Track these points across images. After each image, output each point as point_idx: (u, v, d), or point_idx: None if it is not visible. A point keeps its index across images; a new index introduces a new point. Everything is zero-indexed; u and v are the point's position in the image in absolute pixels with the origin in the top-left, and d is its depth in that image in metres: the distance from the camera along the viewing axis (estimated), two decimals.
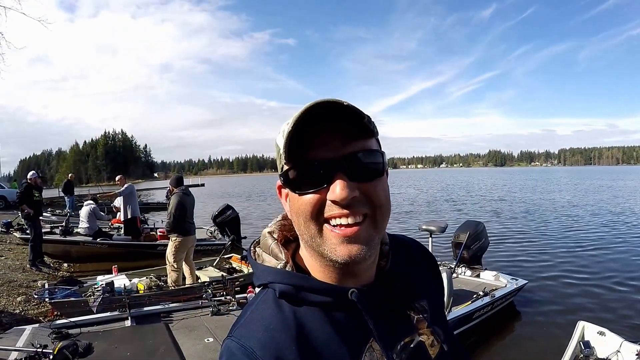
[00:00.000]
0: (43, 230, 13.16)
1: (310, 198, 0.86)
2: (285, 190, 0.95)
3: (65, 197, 23.14)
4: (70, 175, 26.46)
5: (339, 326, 0.93)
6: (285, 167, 0.88)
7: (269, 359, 0.83)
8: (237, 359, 0.85)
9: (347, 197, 0.83)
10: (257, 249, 1.05)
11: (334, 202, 0.84)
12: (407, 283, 1.08)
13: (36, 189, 10.94)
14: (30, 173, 11.03)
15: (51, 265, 10.81)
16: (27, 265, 10.42)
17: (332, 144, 0.85)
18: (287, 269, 0.96)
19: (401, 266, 1.09)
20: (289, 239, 1.05)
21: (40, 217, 13.61)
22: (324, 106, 0.81)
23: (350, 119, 0.84)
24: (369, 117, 0.86)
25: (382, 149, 0.96)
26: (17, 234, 13.64)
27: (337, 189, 0.83)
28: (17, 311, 7.65)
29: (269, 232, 1.05)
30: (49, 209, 22.29)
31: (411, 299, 1.07)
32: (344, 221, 0.84)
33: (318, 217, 0.86)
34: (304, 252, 1.00)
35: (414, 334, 1.04)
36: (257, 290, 1.01)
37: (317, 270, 0.96)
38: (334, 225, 0.85)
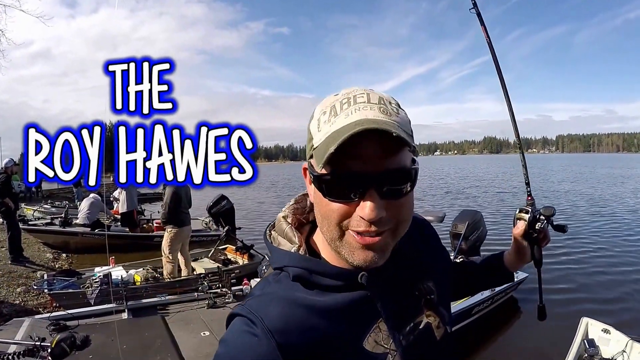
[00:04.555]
0: (43, 221, 13.16)
1: (339, 207, 0.87)
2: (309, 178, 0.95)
3: (74, 189, 23.11)
4: None
5: (348, 307, 0.95)
6: (321, 169, 0.86)
7: (275, 331, 0.84)
8: (245, 323, 0.87)
9: (376, 216, 0.84)
10: (272, 232, 1.06)
11: (362, 217, 0.85)
12: (416, 263, 1.12)
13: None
14: (6, 160, 10.45)
15: (29, 259, 10.68)
16: (9, 263, 10.08)
17: (370, 158, 0.84)
18: (300, 252, 0.98)
19: (412, 246, 1.11)
20: (302, 222, 1.07)
21: (38, 209, 13.50)
22: (373, 129, 0.80)
23: (393, 144, 0.83)
24: (414, 147, 0.87)
25: (416, 160, 0.94)
26: (20, 224, 13.55)
27: (367, 209, 0.83)
28: (17, 302, 7.72)
29: (284, 217, 1.06)
30: (49, 201, 22.25)
31: (419, 280, 1.11)
32: (366, 233, 0.86)
33: (342, 224, 0.87)
34: (318, 236, 1.03)
35: (422, 315, 1.08)
36: (273, 272, 1.02)
37: (330, 255, 0.99)
38: (356, 233, 0.86)
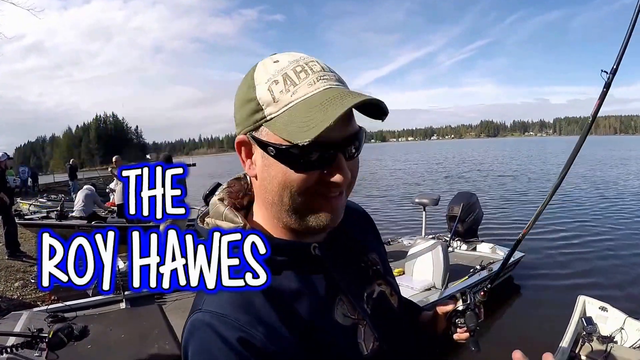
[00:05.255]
0: (39, 215, 13.11)
1: (307, 175, 0.86)
2: (254, 149, 0.92)
3: (70, 182, 23.10)
4: (72, 160, 26.31)
5: (308, 283, 0.94)
6: (284, 142, 0.84)
7: (252, 323, 0.82)
8: (219, 329, 0.81)
9: (347, 181, 0.87)
10: (207, 219, 1.01)
11: (333, 182, 0.86)
12: (355, 237, 1.13)
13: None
14: (0, 155, 10.05)
15: (26, 253, 10.61)
16: (6, 258, 10.02)
17: (339, 126, 0.82)
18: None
19: (347, 223, 1.09)
20: (237, 207, 1.03)
21: (34, 203, 13.46)
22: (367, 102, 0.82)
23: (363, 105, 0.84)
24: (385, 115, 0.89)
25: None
26: (16, 219, 13.53)
27: (340, 174, 0.86)
28: (15, 296, 7.71)
29: (220, 200, 1.03)
30: (45, 195, 22.25)
31: (363, 252, 1.13)
32: (332, 195, 0.89)
33: (309, 192, 0.87)
34: (259, 217, 1.00)
35: (374, 285, 1.11)
36: None
37: (276, 232, 0.96)
38: (323, 197, 0.87)
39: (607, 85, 1.41)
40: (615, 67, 1.64)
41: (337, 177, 0.85)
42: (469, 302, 1.28)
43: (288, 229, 0.95)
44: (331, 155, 0.85)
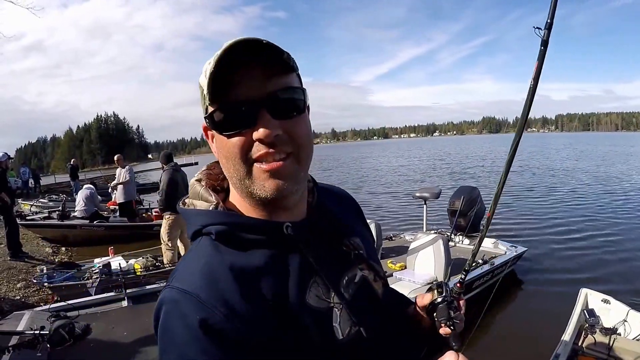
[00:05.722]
0: (41, 216, 13.11)
1: (237, 140, 0.88)
2: (211, 132, 0.95)
3: (71, 182, 23.14)
4: (72, 160, 26.32)
5: (280, 263, 0.93)
6: (210, 109, 0.89)
7: (215, 302, 0.81)
8: (181, 306, 0.81)
9: (271, 135, 0.86)
10: (186, 199, 1.03)
11: (259, 140, 0.86)
12: (337, 219, 1.10)
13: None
14: (1, 155, 9.96)
15: (29, 254, 10.62)
16: (8, 259, 9.93)
17: (254, 82, 0.86)
18: (219, 209, 0.95)
19: (336, 205, 1.12)
20: (216, 188, 1.04)
21: (35, 203, 13.45)
22: (243, 44, 0.82)
23: (270, 56, 0.86)
24: (288, 53, 0.89)
25: (303, 86, 0.97)
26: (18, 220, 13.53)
27: (261, 129, 0.85)
28: (18, 297, 7.64)
29: (197, 180, 1.04)
30: (46, 195, 22.27)
31: (344, 235, 1.10)
32: (270, 158, 0.87)
33: (246, 157, 0.88)
34: (234, 197, 1.00)
35: (355, 269, 1.08)
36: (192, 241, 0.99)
37: (248, 211, 0.96)
38: (261, 162, 0.86)
39: (544, 43, 1.33)
40: (549, 21, 1.57)
41: (260, 132, 0.85)
42: (444, 294, 1.22)
43: (257, 206, 0.95)
44: (252, 112, 0.86)
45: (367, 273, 1.10)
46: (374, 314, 1.05)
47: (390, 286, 1.31)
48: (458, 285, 1.37)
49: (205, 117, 0.93)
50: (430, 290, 1.26)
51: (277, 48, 0.86)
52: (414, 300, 1.34)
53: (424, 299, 1.24)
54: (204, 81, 0.88)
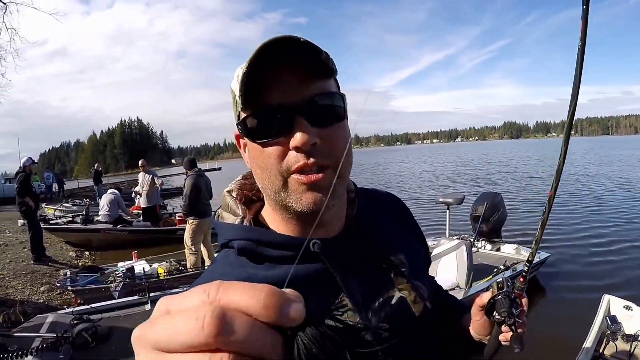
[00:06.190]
0: (64, 220, 13.25)
1: (272, 149, 0.83)
2: (243, 141, 0.92)
3: (95, 187, 23.41)
4: (96, 165, 26.63)
5: (303, 281, 0.87)
6: (243, 115, 0.84)
7: None
8: None
9: (309, 142, 0.80)
10: (218, 210, 1.02)
11: (296, 149, 0.81)
12: (379, 233, 1.03)
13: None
14: (24, 159, 10.20)
15: (52, 257, 10.73)
16: (32, 262, 10.07)
17: (290, 86, 0.81)
18: (244, 223, 0.93)
19: (372, 216, 1.04)
20: (251, 199, 1.02)
21: (59, 208, 13.59)
22: (280, 44, 0.76)
23: (308, 57, 0.80)
24: (327, 53, 0.82)
25: (342, 91, 0.91)
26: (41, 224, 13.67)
27: (298, 136, 0.80)
28: (41, 300, 7.76)
29: (228, 191, 1.02)
30: (70, 200, 22.51)
31: (386, 251, 1.01)
32: (307, 169, 0.81)
33: (282, 168, 0.83)
34: (267, 209, 0.97)
35: (393, 290, 0.99)
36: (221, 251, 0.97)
37: (280, 225, 0.93)
38: (298, 174, 0.81)
39: (586, 2, 1.24)
40: None
41: (296, 140, 0.79)
42: (505, 289, 1.09)
43: (290, 220, 0.91)
44: (288, 118, 0.81)
45: (407, 294, 1.01)
46: (403, 340, 0.93)
47: (448, 297, 1.28)
48: (521, 279, 1.18)
49: (237, 124, 0.88)
50: (489, 289, 1.13)
51: (315, 47, 0.79)
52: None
53: (483, 298, 1.12)
54: (235, 86, 0.84)
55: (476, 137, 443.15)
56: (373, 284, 0.96)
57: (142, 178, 11.96)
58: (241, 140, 0.93)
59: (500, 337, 1.11)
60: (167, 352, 0.32)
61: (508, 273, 6.67)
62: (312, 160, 0.81)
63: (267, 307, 0.33)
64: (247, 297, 0.33)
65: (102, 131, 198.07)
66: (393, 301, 0.97)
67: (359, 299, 0.89)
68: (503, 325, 1.09)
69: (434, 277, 1.32)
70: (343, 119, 0.88)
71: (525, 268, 1.23)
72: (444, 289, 1.37)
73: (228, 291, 0.34)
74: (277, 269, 0.88)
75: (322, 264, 0.89)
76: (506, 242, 8.41)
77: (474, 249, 7.66)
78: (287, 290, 0.38)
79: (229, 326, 0.31)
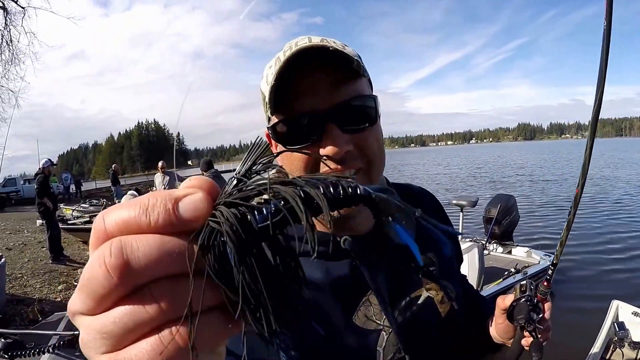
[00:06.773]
0: (82, 220, 13.36)
1: (302, 156, 0.83)
2: (274, 142, 0.89)
3: (112, 188, 23.58)
4: (114, 166, 26.74)
5: (335, 278, 0.88)
6: (273, 120, 0.84)
7: None
8: None
9: (340, 152, 0.80)
10: None
11: (327, 157, 0.80)
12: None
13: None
14: (43, 161, 10.27)
15: (70, 257, 10.83)
16: (50, 262, 10.14)
17: (320, 91, 0.81)
18: None
19: None
20: None
21: (77, 208, 13.72)
22: (309, 52, 0.76)
23: (338, 62, 0.79)
24: (358, 61, 0.81)
25: (374, 92, 0.90)
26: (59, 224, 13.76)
27: (330, 145, 0.80)
28: (59, 299, 7.86)
29: None
30: (87, 200, 22.64)
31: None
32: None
33: (312, 172, 0.81)
34: None
35: (421, 289, 0.99)
36: None
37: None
38: None
39: None
40: None
41: (327, 149, 0.79)
42: (527, 293, 1.06)
43: (321, 222, 0.86)
44: (318, 126, 0.80)
45: (435, 293, 1.00)
46: (428, 339, 0.98)
47: (478, 297, 1.26)
48: (545, 283, 1.15)
49: (267, 127, 0.88)
50: (513, 291, 1.11)
51: (346, 56, 0.78)
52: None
53: (505, 301, 1.10)
54: (265, 88, 0.83)
55: (490, 139, 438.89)
56: (401, 283, 0.97)
57: (161, 179, 12.04)
58: (272, 140, 0.90)
59: (523, 342, 1.09)
60: (90, 315, 0.31)
61: (519, 276, 6.66)
62: (341, 166, 0.80)
63: (151, 210, 0.31)
64: (128, 210, 0.32)
65: (119, 133, 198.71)
66: (420, 300, 0.97)
67: (385, 297, 0.91)
68: (525, 330, 1.07)
69: (465, 276, 1.32)
70: (375, 122, 0.87)
71: (550, 272, 1.24)
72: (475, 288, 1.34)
73: (109, 214, 0.33)
74: (308, 264, 0.84)
75: (352, 261, 0.89)
76: (517, 245, 8.38)
77: (485, 252, 7.63)
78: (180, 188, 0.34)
79: (131, 253, 0.29)
